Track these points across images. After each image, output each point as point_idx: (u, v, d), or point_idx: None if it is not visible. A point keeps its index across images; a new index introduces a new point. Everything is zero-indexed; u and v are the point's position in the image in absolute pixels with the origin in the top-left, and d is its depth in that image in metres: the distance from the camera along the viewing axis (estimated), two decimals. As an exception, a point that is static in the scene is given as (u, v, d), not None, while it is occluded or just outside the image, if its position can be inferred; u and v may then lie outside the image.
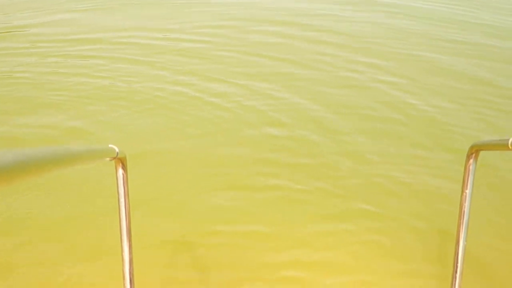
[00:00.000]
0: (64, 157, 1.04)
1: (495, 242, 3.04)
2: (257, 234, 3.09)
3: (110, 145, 1.35)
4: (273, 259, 2.92)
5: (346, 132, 4.12)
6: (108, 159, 1.36)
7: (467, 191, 1.72)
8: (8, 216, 3.15)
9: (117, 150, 1.36)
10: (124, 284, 1.63)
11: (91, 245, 2.94)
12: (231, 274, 2.81)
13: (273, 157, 3.79)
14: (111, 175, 1.51)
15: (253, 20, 6.29)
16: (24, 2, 6.82)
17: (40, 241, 2.99)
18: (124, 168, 1.47)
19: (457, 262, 1.77)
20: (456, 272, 1.78)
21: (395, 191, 3.48)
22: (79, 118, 4.17)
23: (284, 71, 5.07)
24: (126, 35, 5.77)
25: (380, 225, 3.19)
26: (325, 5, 7.01)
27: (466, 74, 5.12)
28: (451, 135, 4.12)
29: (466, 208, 1.73)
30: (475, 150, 1.70)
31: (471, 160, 1.71)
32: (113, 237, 1.81)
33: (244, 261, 2.90)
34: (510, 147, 1.39)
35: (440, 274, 2.78)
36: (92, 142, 3.87)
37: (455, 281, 1.82)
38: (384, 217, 3.25)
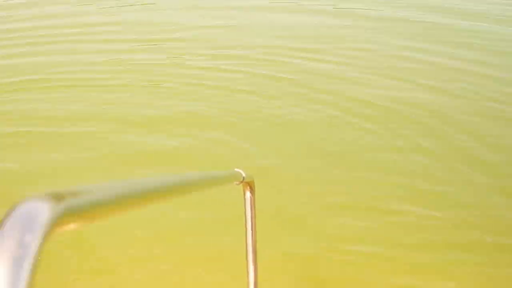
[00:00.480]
0: (195, 182, 1.15)
1: None
2: (379, 256, 3.07)
3: (236, 169, 1.41)
4: (393, 282, 2.91)
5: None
6: (236, 183, 1.41)
7: None
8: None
9: (243, 174, 1.41)
10: None
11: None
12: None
13: (406, 182, 3.71)
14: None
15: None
16: (166, 15, 7.20)
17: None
18: (252, 191, 1.52)
19: None
20: None
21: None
22: (215, 130, 4.38)
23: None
24: (262, 51, 5.87)
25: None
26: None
27: None
28: None
29: None
30: None
31: None
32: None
33: (365, 282, 2.90)
34: None
35: None
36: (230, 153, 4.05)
37: None
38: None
